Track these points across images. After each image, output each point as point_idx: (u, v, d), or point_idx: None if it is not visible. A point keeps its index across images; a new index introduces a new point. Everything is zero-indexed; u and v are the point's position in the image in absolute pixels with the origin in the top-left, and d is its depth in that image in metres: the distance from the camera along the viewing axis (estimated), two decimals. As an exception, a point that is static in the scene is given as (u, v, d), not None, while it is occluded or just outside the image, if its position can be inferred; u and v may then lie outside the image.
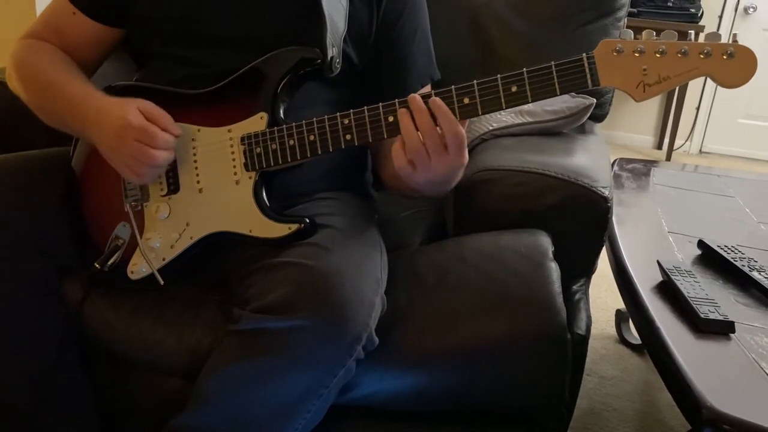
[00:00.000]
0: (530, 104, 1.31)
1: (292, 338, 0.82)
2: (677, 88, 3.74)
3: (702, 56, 0.77)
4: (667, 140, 3.89)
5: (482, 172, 1.08)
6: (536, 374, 0.92)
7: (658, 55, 0.78)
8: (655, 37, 0.79)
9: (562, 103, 1.30)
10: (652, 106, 4.06)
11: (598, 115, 1.45)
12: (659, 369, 0.91)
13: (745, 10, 3.74)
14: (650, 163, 1.74)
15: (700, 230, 1.26)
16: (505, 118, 1.30)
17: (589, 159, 1.16)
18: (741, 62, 0.76)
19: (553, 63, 0.81)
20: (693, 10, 3.41)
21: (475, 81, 0.83)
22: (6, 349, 0.97)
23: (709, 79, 0.76)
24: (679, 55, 0.78)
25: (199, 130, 0.96)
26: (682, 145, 4.01)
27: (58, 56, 1.04)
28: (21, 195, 1.00)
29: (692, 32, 0.80)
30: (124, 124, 0.89)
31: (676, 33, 0.79)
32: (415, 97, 0.84)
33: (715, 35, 0.77)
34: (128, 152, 0.90)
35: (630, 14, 1.88)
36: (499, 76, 0.82)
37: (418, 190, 0.91)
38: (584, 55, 0.80)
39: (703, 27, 3.43)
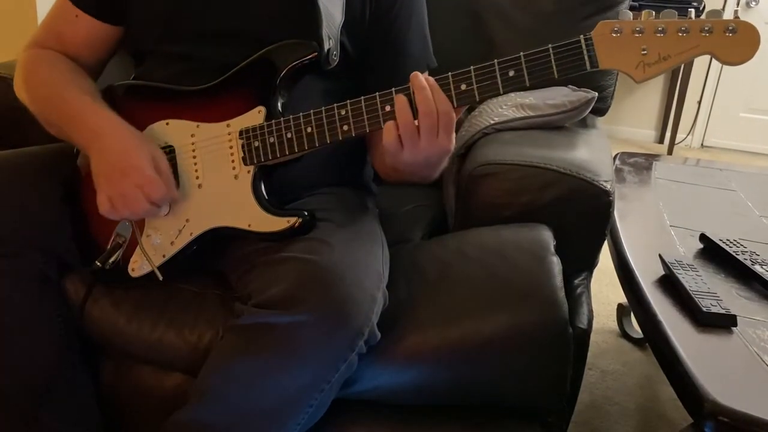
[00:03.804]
0: (532, 98, 1.32)
1: (294, 333, 0.82)
2: (679, 82, 3.75)
3: (703, 33, 0.75)
4: (668, 134, 3.88)
5: (484, 166, 1.08)
6: (538, 368, 0.92)
7: (657, 35, 0.77)
8: (654, 17, 0.78)
9: (564, 96, 1.30)
10: (654, 100, 4.05)
11: (600, 109, 1.45)
12: (661, 363, 0.91)
13: (747, 3, 3.73)
14: (652, 157, 1.73)
15: (701, 224, 1.26)
16: (507, 112, 1.29)
17: (591, 153, 1.15)
18: (743, 38, 0.74)
19: (550, 46, 0.80)
20: (695, 4, 3.40)
21: (472, 67, 0.83)
22: (7, 346, 0.97)
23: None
24: (680, 34, 0.76)
25: (197, 126, 0.96)
26: (684, 139, 3.99)
27: (64, 66, 1.03)
28: (22, 191, 1.00)
29: (692, 10, 0.79)
30: (134, 165, 0.90)
31: (675, 12, 0.77)
32: (418, 75, 0.84)
33: (716, 12, 0.75)
34: (122, 191, 0.90)
35: (631, 8, 1.88)
36: (496, 60, 0.82)
37: (399, 169, 0.91)
38: (582, 36, 0.79)
39: (705, 21, 3.40)
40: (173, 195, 0.93)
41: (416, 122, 0.84)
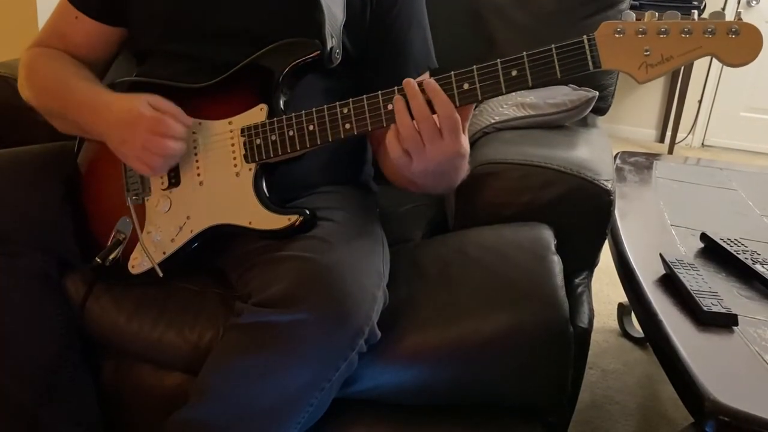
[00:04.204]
0: (532, 97, 1.32)
1: (295, 332, 0.82)
2: (679, 82, 3.75)
3: (706, 35, 0.75)
4: (669, 133, 3.88)
5: (484, 166, 1.08)
6: (538, 368, 0.92)
7: (660, 36, 0.77)
8: (657, 18, 0.78)
9: (564, 96, 1.30)
10: (655, 99, 4.04)
11: (601, 108, 1.45)
12: (662, 362, 0.91)
13: (748, 2, 3.73)
14: (652, 157, 1.73)
15: (702, 223, 1.26)
16: (507, 111, 1.29)
17: (592, 152, 1.15)
18: (746, 40, 0.74)
19: (553, 46, 0.80)
20: (696, 2, 3.40)
21: (474, 66, 0.82)
22: (8, 345, 0.97)
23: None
24: (683, 35, 0.76)
25: (200, 124, 0.96)
26: (685, 138, 3.99)
27: (65, 59, 1.04)
28: (22, 190, 1.00)
29: (695, 12, 0.79)
30: (136, 114, 0.90)
31: (678, 13, 0.77)
32: (410, 82, 0.82)
33: (719, 14, 0.75)
34: (140, 143, 0.90)
35: (632, 7, 1.88)
36: (498, 60, 0.81)
37: (416, 182, 0.89)
38: (585, 37, 0.79)
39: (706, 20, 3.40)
40: (186, 122, 0.93)
41: (417, 128, 0.82)
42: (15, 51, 1.16)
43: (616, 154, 1.65)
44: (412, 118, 0.82)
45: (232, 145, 0.94)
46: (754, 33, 0.74)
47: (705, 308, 0.90)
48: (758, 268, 1.04)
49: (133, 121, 0.90)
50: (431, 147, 0.81)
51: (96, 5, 1.05)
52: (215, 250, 1.01)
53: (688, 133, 4.02)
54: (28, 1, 2.24)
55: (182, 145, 0.92)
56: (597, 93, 1.29)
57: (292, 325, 0.82)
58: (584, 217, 1.05)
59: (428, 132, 0.81)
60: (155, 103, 0.92)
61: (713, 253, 1.13)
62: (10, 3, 2.28)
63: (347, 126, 0.88)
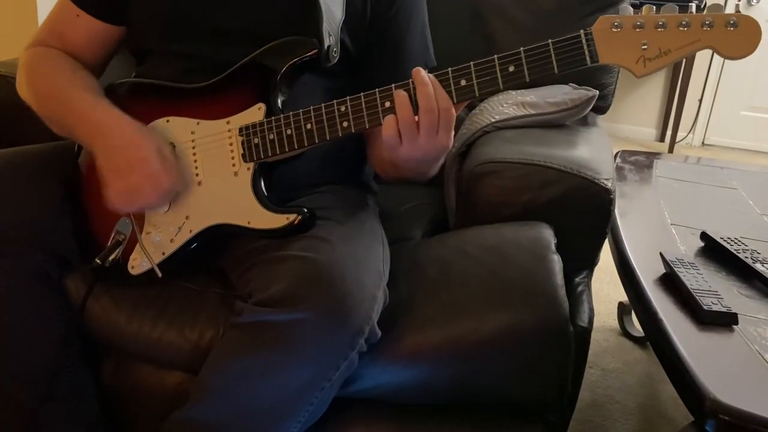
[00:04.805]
0: (533, 96, 1.32)
1: (295, 331, 0.82)
2: (680, 81, 3.75)
3: (704, 28, 0.75)
4: (669, 132, 3.88)
5: (484, 165, 1.08)
6: (538, 367, 0.92)
7: (658, 29, 0.77)
8: (654, 12, 0.78)
9: (565, 95, 1.29)
10: (655, 98, 4.04)
11: (601, 107, 1.44)
12: (662, 361, 0.90)
13: (748, 1, 3.73)
14: (653, 156, 1.73)
15: (702, 222, 1.26)
16: (507, 110, 1.29)
17: (592, 151, 1.15)
18: (745, 32, 0.74)
19: (550, 41, 0.80)
20: (696, 2, 3.40)
21: (471, 62, 0.83)
22: (8, 344, 0.97)
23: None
24: (681, 28, 0.76)
25: (198, 123, 0.96)
26: (685, 137, 3.99)
27: (67, 64, 1.03)
28: (23, 189, 1.00)
29: (693, 5, 0.79)
30: (142, 158, 0.90)
31: (676, 7, 0.77)
32: (420, 70, 0.84)
33: (717, 7, 0.75)
34: (133, 183, 0.90)
35: (632, 6, 1.89)
36: (496, 56, 0.82)
37: (398, 165, 0.91)
38: (582, 31, 0.79)
39: (706, 18, 3.41)
40: (180, 185, 0.93)
41: (416, 118, 0.83)
42: (15, 50, 1.16)
43: (617, 153, 1.65)
44: (415, 112, 0.83)
45: (231, 144, 0.94)
46: (753, 25, 0.74)
47: (705, 307, 0.90)
48: (758, 267, 1.04)
49: (135, 161, 0.90)
50: (425, 138, 0.83)
51: (97, 3, 1.04)
52: (215, 250, 1.01)
53: (689, 132, 4.02)
54: (28, 0, 2.24)
55: (161, 206, 0.94)
56: (597, 92, 1.29)
57: (292, 325, 0.82)
58: (584, 216, 1.05)
59: (428, 125, 0.83)
60: (162, 155, 0.91)
61: (713, 252, 1.13)
62: (10, 3, 2.28)
63: (345, 124, 0.88)
